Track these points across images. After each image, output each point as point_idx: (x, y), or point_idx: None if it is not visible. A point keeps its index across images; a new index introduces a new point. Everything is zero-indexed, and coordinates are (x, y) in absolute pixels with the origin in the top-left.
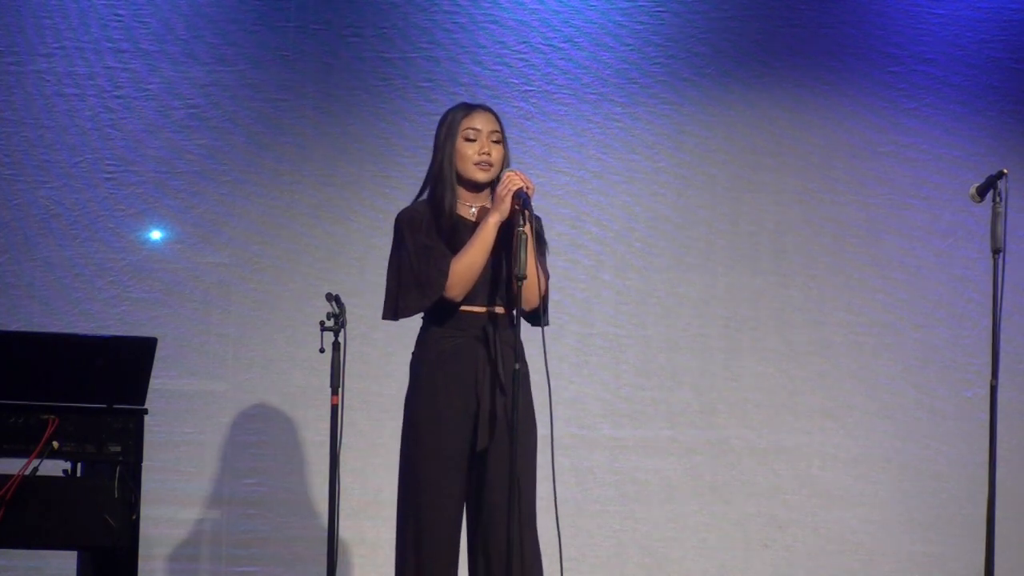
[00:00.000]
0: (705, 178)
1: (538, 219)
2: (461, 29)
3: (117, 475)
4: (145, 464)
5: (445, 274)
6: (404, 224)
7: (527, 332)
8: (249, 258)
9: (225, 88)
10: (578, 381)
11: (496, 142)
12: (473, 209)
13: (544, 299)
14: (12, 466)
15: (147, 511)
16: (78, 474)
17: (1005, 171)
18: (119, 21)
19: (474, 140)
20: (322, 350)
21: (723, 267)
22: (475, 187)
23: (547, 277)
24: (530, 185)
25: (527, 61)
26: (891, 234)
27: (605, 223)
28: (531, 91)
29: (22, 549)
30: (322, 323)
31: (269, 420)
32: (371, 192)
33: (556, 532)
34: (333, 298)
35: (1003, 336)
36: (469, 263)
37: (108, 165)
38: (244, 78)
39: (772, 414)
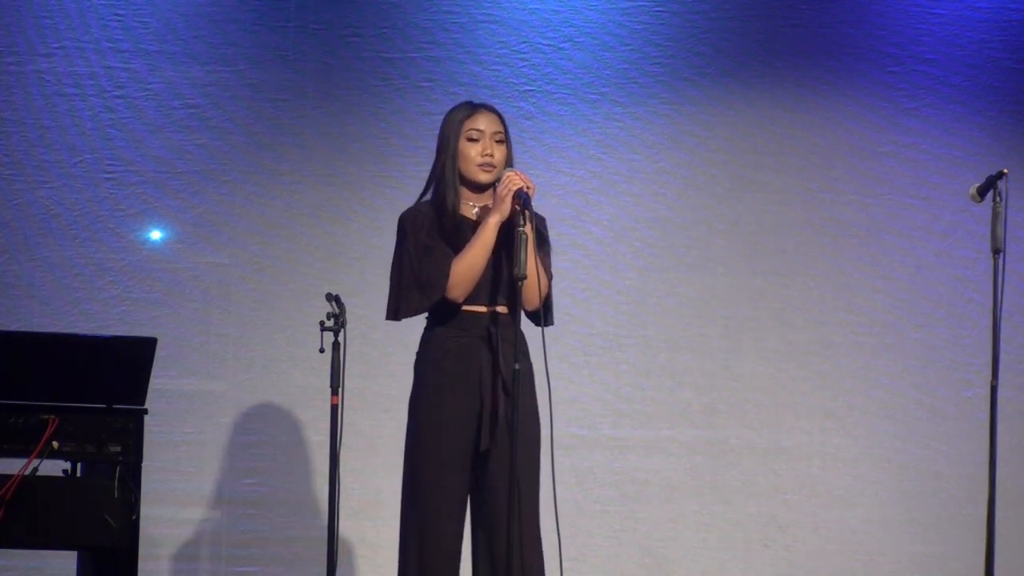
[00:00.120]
0: (705, 178)
1: (541, 219)
2: (461, 29)
3: (117, 475)
4: (145, 464)
5: (446, 274)
6: (407, 224)
7: (530, 331)
8: (249, 258)
9: (225, 88)
10: (578, 381)
11: (499, 142)
12: (476, 209)
13: (547, 299)
14: (12, 466)
15: (147, 511)
16: (78, 474)
17: (1005, 171)
18: (119, 21)
19: (477, 140)
20: (322, 350)
21: (723, 267)
22: (478, 187)
23: (550, 277)
24: (530, 185)
25: (527, 61)
26: (891, 234)
27: (605, 223)
28: (531, 91)
29: (22, 549)
30: (322, 323)
31: (269, 420)
32: (371, 192)
33: (556, 532)
34: (333, 298)
35: (1003, 336)
36: (470, 263)
37: (108, 165)
38: (244, 78)
39: (772, 414)
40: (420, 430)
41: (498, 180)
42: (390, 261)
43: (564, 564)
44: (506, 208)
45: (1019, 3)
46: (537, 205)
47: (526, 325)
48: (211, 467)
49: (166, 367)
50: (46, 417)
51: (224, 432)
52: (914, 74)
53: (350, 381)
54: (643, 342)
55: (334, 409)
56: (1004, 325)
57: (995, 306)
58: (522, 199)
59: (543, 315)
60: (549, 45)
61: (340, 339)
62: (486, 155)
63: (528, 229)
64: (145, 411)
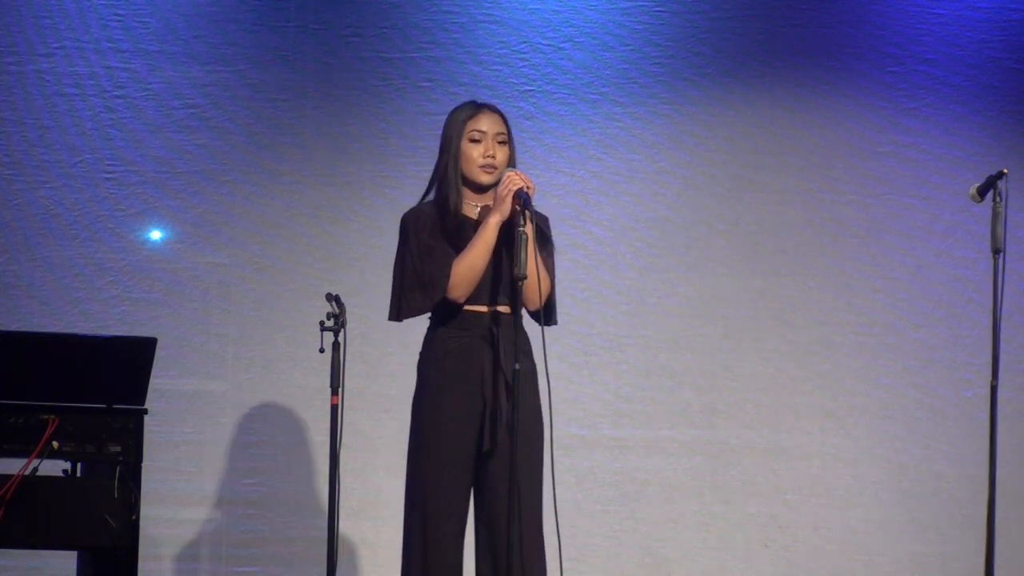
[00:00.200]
0: (705, 178)
1: (544, 218)
2: (461, 29)
3: (117, 475)
4: (145, 464)
5: (447, 275)
6: (409, 225)
7: (534, 331)
8: (249, 258)
9: (225, 88)
10: (578, 381)
11: (502, 143)
12: (478, 209)
13: (549, 299)
14: (12, 466)
15: (147, 511)
16: (78, 474)
17: (1005, 171)
18: (119, 21)
19: (479, 141)
20: (322, 350)
21: (723, 267)
22: (480, 188)
23: (552, 277)
24: (530, 185)
25: (527, 61)
26: (891, 234)
27: (605, 223)
28: (531, 91)
29: (22, 549)
30: (322, 323)
31: (269, 420)
32: (371, 192)
33: (556, 532)
34: (333, 298)
35: (1003, 336)
36: (471, 264)
37: (108, 165)
38: (244, 78)
39: (772, 414)
40: (422, 430)
41: (499, 180)
42: (390, 261)
43: (564, 564)
44: (506, 208)
45: (1019, 3)
46: (537, 205)
47: (530, 325)
48: (211, 467)
49: (166, 367)
50: (46, 417)
51: (224, 432)
52: (914, 74)
53: (350, 381)
54: (643, 342)
55: (334, 409)
56: (1004, 325)
57: (995, 306)
58: (522, 199)
59: (546, 315)
60: (549, 45)
61: (340, 339)
62: (488, 156)
63: (528, 229)
64: (145, 411)
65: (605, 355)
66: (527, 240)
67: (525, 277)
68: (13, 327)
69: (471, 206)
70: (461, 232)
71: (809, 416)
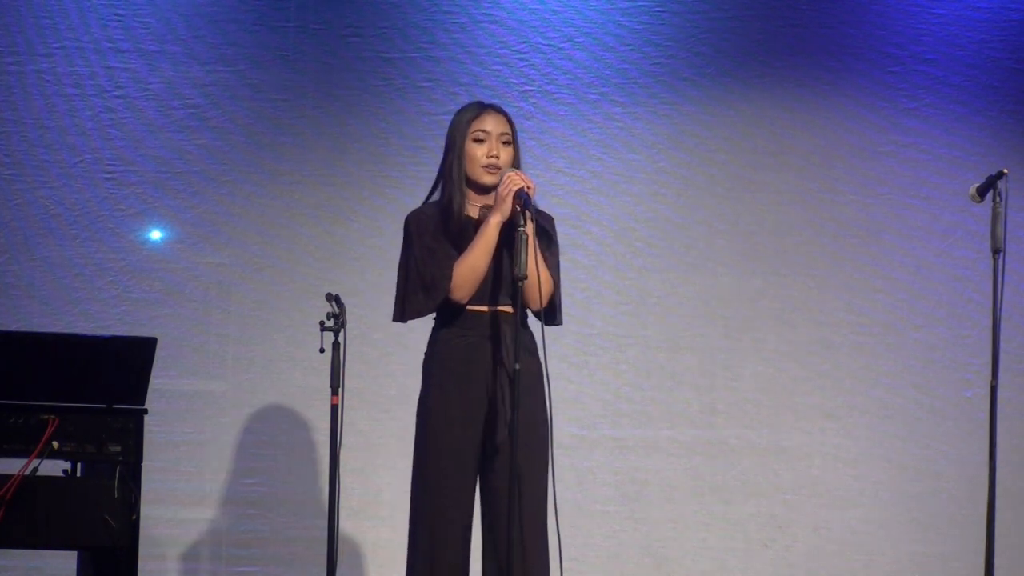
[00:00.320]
0: (705, 178)
1: (549, 218)
2: (461, 29)
3: (117, 475)
4: (145, 464)
5: (449, 276)
6: (412, 226)
7: (553, 330)
8: (249, 258)
9: (225, 88)
10: (578, 381)
11: (506, 144)
12: (478, 209)
13: (553, 298)
14: (12, 466)
15: (147, 511)
16: (78, 474)
17: (1005, 171)
18: (119, 21)
19: (483, 141)
20: (322, 350)
21: (723, 267)
22: (483, 189)
23: (556, 276)
24: (531, 185)
25: (527, 61)
26: (891, 234)
27: (605, 223)
28: (531, 91)
29: (22, 549)
30: (322, 323)
31: (269, 420)
32: (371, 192)
33: (556, 532)
34: (333, 298)
35: (1003, 336)
36: (472, 264)
37: (108, 165)
38: (244, 78)
39: (772, 414)
40: (427, 430)
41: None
42: (390, 261)
43: (564, 564)
44: (507, 208)
45: (1019, 3)
46: (539, 205)
47: (537, 324)
48: (211, 467)
49: (166, 367)
50: (46, 417)
51: (224, 432)
52: (914, 74)
53: (350, 381)
54: (643, 342)
55: (334, 409)
56: (1004, 325)
57: (995, 306)
58: (523, 199)
59: (550, 314)
60: (549, 45)
61: (340, 339)
62: (491, 156)
63: (529, 229)
64: (145, 411)
65: (605, 355)
66: (527, 240)
67: (525, 277)
68: (13, 327)
69: (474, 207)
70: (464, 233)
71: (809, 416)
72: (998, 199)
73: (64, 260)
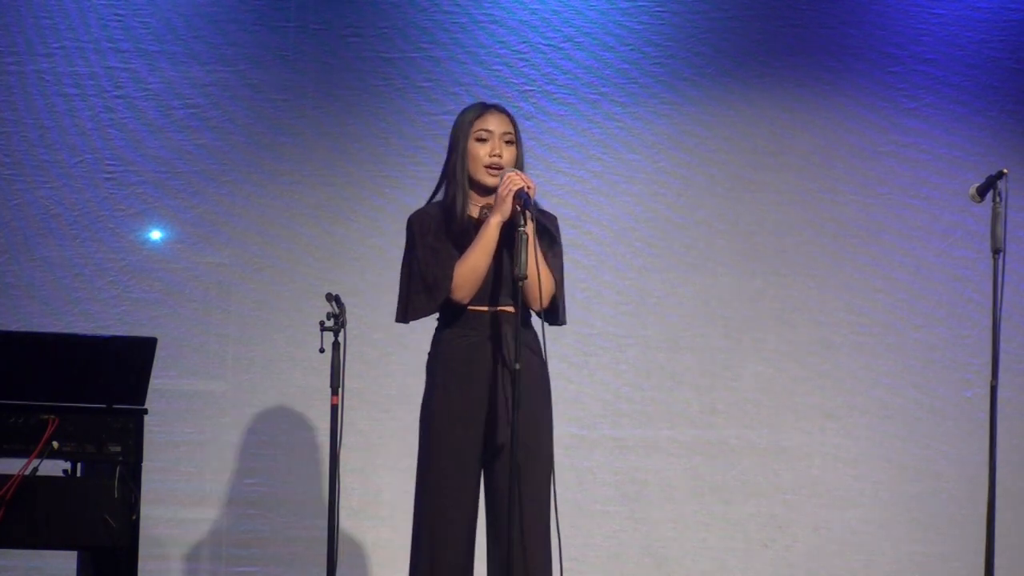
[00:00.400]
0: (705, 178)
1: (553, 218)
2: (461, 29)
3: (117, 475)
4: (145, 464)
5: (450, 277)
6: (414, 227)
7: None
8: (249, 258)
9: (225, 88)
10: (578, 381)
11: (509, 143)
12: (479, 209)
13: (555, 298)
14: (12, 466)
15: (147, 511)
16: (78, 474)
17: (1005, 171)
18: (119, 21)
19: (486, 141)
20: (322, 350)
21: (723, 267)
22: (486, 189)
23: (559, 276)
24: (531, 184)
25: (527, 61)
26: (891, 234)
27: (605, 223)
28: (531, 91)
29: (22, 549)
30: (322, 323)
31: (269, 420)
32: (371, 192)
33: (556, 532)
34: (333, 298)
35: (1003, 336)
36: (473, 265)
37: (108, 165)
38: (244, 78)
39: (772, 414)
40: (430, 430)
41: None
42: (390, 261)
43: (564, 564)
44: (507, 208)
45: (1019, 3)
46: (542, 205)
47: (539, 324)
48: (211, 467)
49: (166, 367)
50: (46, 417)
51: (224, 432)
52: (914, 74)
53: (350, 381)
54: (643, 342)
55: (334, 409)
56: (1004, 325)
57: (995, 306)
58: (522, 199)
59: (553, 314)
60: (549, 45)
61: (340, 339)
62: (494, 155)
63: (529, 229)
64: (145, 411)
65: (605, 355)
66: (527, 240)
67: (525, 277)
68: (13, 327)
69: (476, 207)
70: (466, 233)
71: (809, 416)
72: (998, 199)
73: (64, 260)
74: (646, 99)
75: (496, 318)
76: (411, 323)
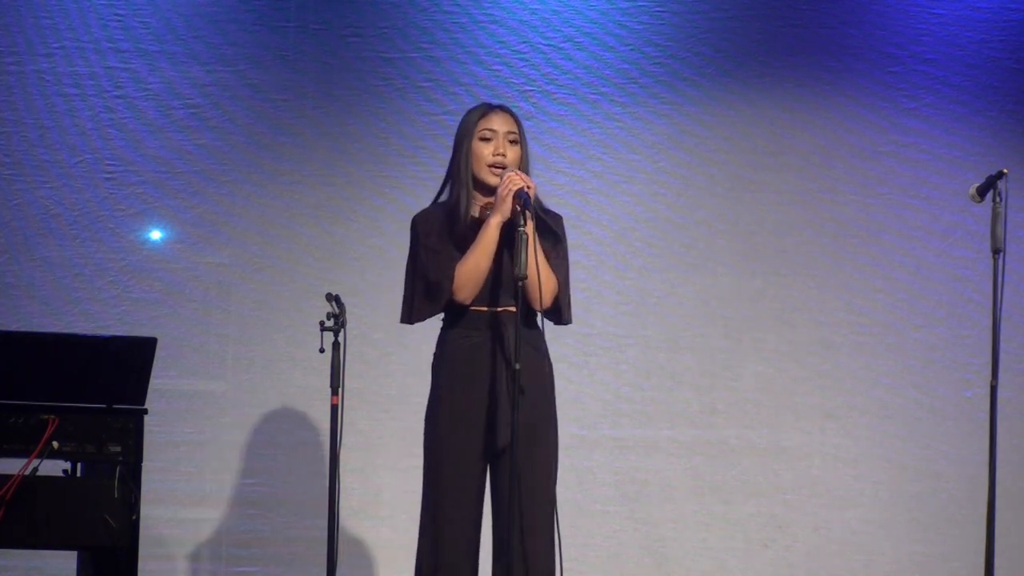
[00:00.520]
0: (705, 178)
1: (558, 218)
2: (461, 29)
3: (117, 475)
4: (145, 464)
5: (451, 278)
6: (418, 227)
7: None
8: (249, 258)
9: (225, 88)
10: (578, 381)
11: (513, 142)
12: (479, 209)
13: (559, 297)
14: (12, 466)
15: (147, 511)
16: (78, 474)
17: (1005, 171)
18: (119, 21)
19: (490, 140)
20: (322, 350)
21: (723, 267)
22: (490, 190)
23: (564, 275)
24: (531, 184)
25: (527, 61)
26: (891, 234)
27: (605, 223)
28: (531, 91)
29: (22, 549)
30: (322, 323)
31: (269, 420)
32: (371, 192)
33: (556, 532)
34: (333, 298)
35: (1003, 336)
36: (474, 265)
37: (108, 165)
38: (244, 78)
39: (772, 414)
40: (434, 431)
41: None
42: (390, 261)
43: (564, 564)
44: (507, 208)
45: (1019, 3)
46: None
47: (548, 325)
48: (211, 467)
49: (166, 367)
50: (46, 417)
51: (224, 432)
52: (914, 74)
53: (350, 381)
54: (643, 342)
55: (334, 409)
56: (1004, 325)
57: (995, 306)
58: (522, 199)
59: (556, 314)
60: (549, 45)
61: (340, 339)
62: (498, 155)
63: (529, 229)
64: (145, 411)
65: (605, 355)
66: (527, 240)
67: (525, 277)
68: (13, 327)
69: (480, 207)
70: (469, 234)
71: (809, 416)
72: (998, 199)
73: (64, 260)
74: (646, 99)
75: (498, 318)
76: (412, 324)
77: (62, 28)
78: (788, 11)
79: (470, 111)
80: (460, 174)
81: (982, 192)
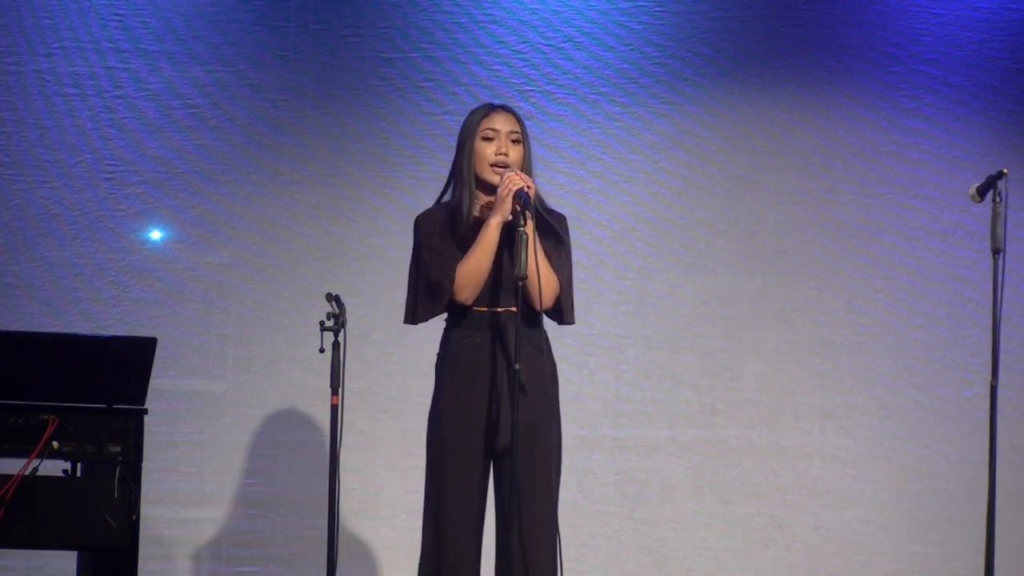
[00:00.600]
0: (705, 178)
1: (561, 218)
2: (461, 29)
3: (117, 475)
4: (145, 464)
5: (452, 278)
6: (420, 228)
7: (552, 331)
8: (249, 258)
9: (225, 88)
10: (578, 381)
11: (515, 142)
12: (479, 208)
13: (561, 297)
14: (12, 466)
15: (147, 511)
16: (78, 474)
17: (1005, 171)
18: (119, 21)
19: (492, 140)
20: (322, 350)
21: (723, 267)
22: (492, 189)
23: (566, 275)
24: (531, 184)
25: (527, 61)
26: (891, 234)
27: (605, 223)
28: (531, 91)
29: (22, 549)
30: (322, 323)
31: (269, 420)
32: (371, 192)
33: (556, 532)
34: (333, 298)
35: (1003, 336)
36: (474, 265)
37: (108, 165)
38: (244, 78)
39: (772, 414)
40: (437, 430)
41: None
42: (390, 261)
43: (564, 564)
44: (507, 208)
45: (1019, 3)
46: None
47: (549, 324)
48: (211, 467)
49: (166, 367)
50: (46, 417)
51: (224, 432)
52: (914, 74)
53: (350, 381)
54: (643, 342)
55: (334, 409)
56: (1004, 325)
57: (995, 306)
58: (522, 199)
59: (559, 314)
60: (549, 45)
61: (340, 339)
62: (500, 154)
63: (529, 229)
64: (145, 411)
65: (605, 355)
66: (527, 240)
67: (525, 277)
68: (13, 327)
69: (482, 207)
70: (472, 234)
71: (809, 416)
72: (998, 199)
73: (64, 260)
74: (646, 99)
75: (499, 318)
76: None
77: (62, 28)
78: (788, 11)
79: (473, 111)
80: (463, 174)
81: (982, 192)
